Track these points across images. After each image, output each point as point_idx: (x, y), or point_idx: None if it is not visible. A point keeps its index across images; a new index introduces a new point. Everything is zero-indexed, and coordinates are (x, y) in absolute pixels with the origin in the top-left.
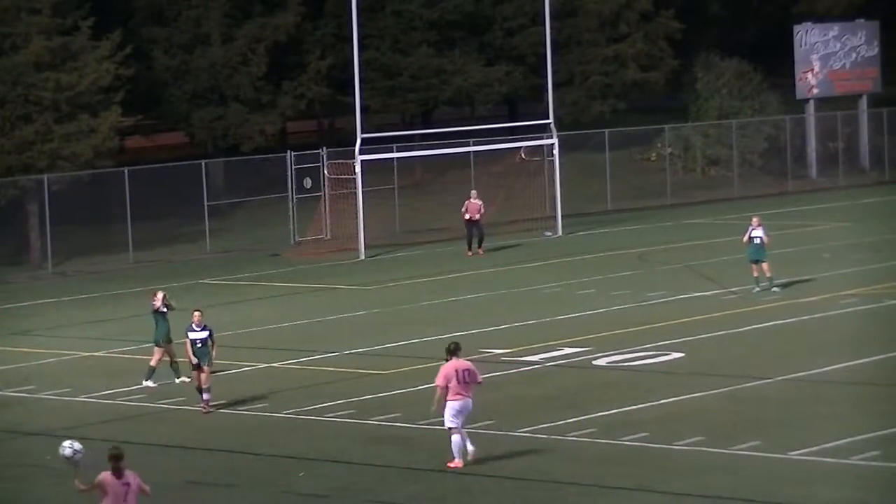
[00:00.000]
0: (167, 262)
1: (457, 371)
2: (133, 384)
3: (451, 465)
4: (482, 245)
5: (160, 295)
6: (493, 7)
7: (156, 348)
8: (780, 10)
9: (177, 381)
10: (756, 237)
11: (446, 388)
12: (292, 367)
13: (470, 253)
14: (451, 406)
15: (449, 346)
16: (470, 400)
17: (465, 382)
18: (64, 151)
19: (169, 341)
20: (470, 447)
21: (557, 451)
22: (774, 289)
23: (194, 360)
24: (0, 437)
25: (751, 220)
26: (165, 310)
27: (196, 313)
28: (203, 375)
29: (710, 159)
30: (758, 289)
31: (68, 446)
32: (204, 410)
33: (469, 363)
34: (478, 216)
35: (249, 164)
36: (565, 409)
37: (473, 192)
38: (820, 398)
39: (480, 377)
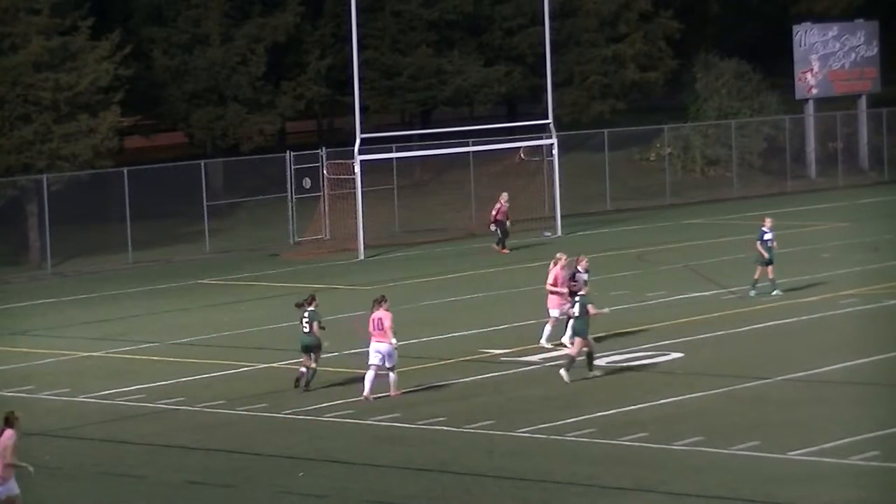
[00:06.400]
0: (166, 262)
1: None
2: (132, 384)
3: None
4: (505, 244)
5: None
6: (493, 7)
7: (578, 339)
8: (779, 11)
9: (589, 374)
10: (768, 239)
11: None
12: (292, 367)
13: (496, 248)
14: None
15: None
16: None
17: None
18: (63, 151)
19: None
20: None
21: (557, 451)
22: (775, 292)
23: None
24: None
25: (763, 220)
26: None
27: None
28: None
29: (709, 159)
30: (754, 292)
31: None
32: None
33: None
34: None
35: (249, 164)
36: (565, 409)
37: (504, 195)
38: (820, 398)
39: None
